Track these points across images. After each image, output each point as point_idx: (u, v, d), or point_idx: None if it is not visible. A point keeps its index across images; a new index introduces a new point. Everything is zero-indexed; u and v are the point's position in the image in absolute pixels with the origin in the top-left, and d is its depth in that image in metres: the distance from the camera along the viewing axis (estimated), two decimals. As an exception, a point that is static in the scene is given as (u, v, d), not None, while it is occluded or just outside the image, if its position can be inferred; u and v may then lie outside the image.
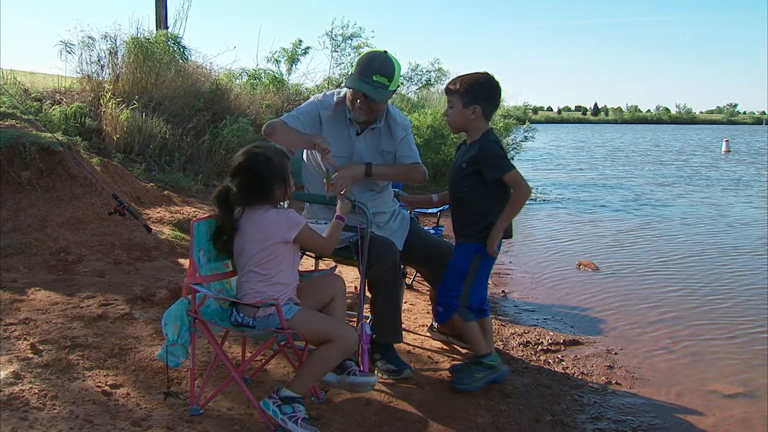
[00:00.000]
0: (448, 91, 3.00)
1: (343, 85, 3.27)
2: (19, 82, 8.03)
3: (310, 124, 3.19)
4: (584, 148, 28.67)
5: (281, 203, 2.57)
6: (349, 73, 3.19)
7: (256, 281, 2.47)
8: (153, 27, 10.28)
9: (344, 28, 11.98)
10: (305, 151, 3.36)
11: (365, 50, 3.39)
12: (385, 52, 3.13)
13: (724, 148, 26.47)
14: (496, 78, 2.99)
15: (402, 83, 14.31)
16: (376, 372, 3.02)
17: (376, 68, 3.04)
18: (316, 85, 11.96)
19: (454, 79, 3.02)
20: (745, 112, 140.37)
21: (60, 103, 7.90)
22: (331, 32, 11.92)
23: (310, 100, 3.34)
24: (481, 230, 2.93)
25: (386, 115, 3.26)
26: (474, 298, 3.00)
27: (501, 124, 13.20)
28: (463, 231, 3.02)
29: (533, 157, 20.69)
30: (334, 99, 3.25)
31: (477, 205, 2.95)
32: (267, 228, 2.46)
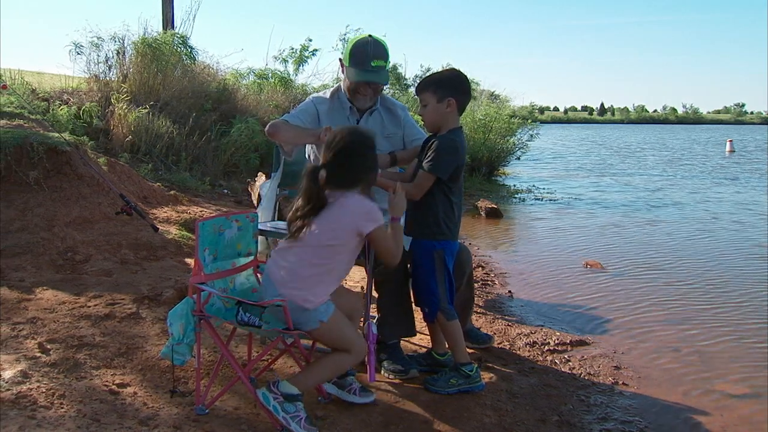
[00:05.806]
0: (420, 89, 2.98)
1: (345, 79, 3.27)
2: (27, 82, 8.08)
3: (310, 122, 3.23)
4: (590, 148, 28.58)
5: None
6: (346, 65, 3.21)
7: (307, 265, 2.36)
8: (160, 27, 10.33)
9: (357, 32, 12.34)
10: (307, 152, 3.39)
11: (350, 39, 3.41)
12: (370, 35, 3.20)
13: (728, 148, 26.29)
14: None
15: (412, 83, 14.61)
16: (382, 371, 3.02)
17: (372, 54, 3.12)
18: (324, 84, 12.11)
19: (423, 78, 3.03)
20: (752, 112, 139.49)
21: (67, 103, 7.94)
22: (345, 36, 12.74)
23: (305, 100, 3.40)
24: (434, 227, 2.93)
25: (381, 97, 3.33)
26: (450, 293, 3.00)
27: (506, 124, 13.18)
28: (421, 228, 2.98)
29: (538, 156, 20.64)
30: (327, 94, 3.33)
31: (434, 202, 2.92)
32: (343, 213, 2.36)
